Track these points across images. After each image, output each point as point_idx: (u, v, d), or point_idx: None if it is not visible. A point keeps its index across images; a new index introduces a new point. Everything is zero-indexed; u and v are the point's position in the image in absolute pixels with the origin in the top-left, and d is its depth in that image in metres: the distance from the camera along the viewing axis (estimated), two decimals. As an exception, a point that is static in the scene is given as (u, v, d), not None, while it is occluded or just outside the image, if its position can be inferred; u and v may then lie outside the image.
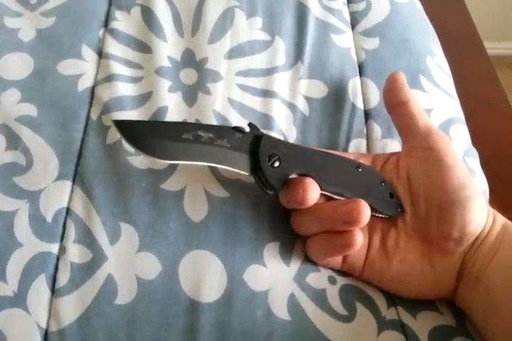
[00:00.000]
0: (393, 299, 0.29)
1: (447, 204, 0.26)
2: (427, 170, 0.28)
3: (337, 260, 0.29)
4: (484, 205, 0.27)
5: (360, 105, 0.36)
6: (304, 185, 0.26)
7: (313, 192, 0.26)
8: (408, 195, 0.28)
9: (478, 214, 0.26)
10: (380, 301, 0.28)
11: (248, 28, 0.38)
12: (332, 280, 0.29)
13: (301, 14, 0.40)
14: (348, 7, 0.42)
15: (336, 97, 0.36)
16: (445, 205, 0.26)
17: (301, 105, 0.35)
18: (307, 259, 0.29)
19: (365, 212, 0.25)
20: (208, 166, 0.31)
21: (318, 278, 0.29)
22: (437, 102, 0.37)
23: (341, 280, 0.29)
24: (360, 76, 0.38)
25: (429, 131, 0.29)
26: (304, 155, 0.28)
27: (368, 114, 0.36)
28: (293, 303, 0.27)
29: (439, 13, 0.46)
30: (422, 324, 0.28)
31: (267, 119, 0.34)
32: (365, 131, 0.35)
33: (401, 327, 0.27)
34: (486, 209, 0.27)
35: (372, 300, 0.28)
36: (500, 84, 0.44)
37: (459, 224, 0.26)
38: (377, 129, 0.35)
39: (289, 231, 0.30)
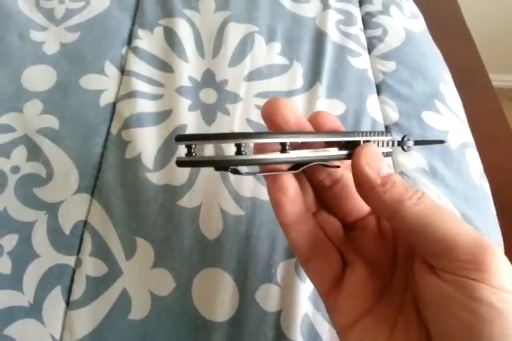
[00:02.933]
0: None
1: None
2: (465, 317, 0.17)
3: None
4: None
5: (380, 120, 0.37)
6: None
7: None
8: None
9: None
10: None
11: (267, 53, 0.39)
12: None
13: (319, 39, 0.41)
14: (365, 33, 0.43)
15: (355, 113, 0.36)
16: None
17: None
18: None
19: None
20: (224, 185, 0.32)
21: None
22: (452, 125, 0.37)
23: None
24: (378, 95, 0.39)
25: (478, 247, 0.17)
26: None
27: (388, 128, 0.36)
28: (307, 324, 0.27)
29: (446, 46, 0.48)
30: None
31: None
32: None
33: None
34: None
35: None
36: (506, 117, 0.46)
37: None
38: None
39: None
